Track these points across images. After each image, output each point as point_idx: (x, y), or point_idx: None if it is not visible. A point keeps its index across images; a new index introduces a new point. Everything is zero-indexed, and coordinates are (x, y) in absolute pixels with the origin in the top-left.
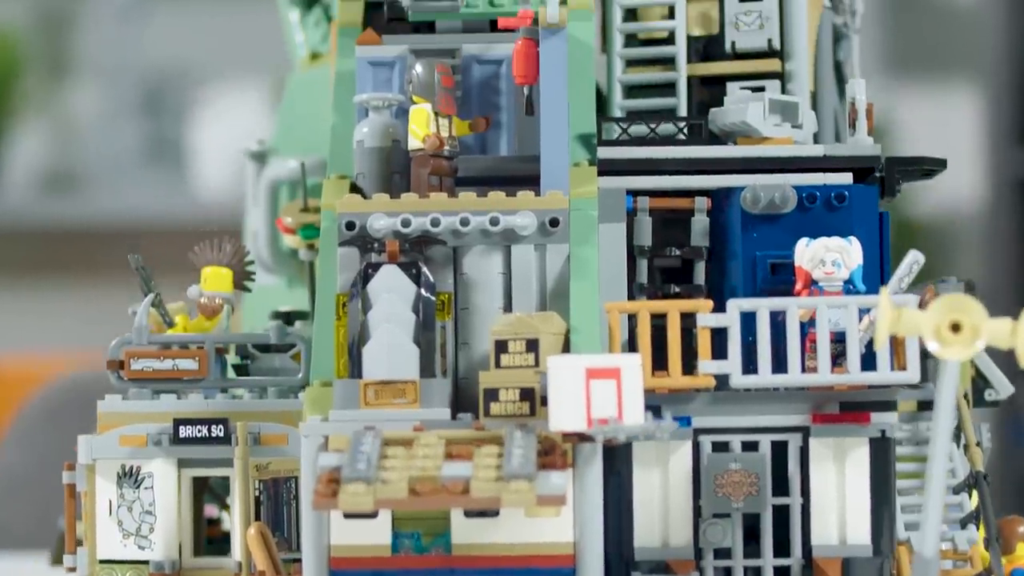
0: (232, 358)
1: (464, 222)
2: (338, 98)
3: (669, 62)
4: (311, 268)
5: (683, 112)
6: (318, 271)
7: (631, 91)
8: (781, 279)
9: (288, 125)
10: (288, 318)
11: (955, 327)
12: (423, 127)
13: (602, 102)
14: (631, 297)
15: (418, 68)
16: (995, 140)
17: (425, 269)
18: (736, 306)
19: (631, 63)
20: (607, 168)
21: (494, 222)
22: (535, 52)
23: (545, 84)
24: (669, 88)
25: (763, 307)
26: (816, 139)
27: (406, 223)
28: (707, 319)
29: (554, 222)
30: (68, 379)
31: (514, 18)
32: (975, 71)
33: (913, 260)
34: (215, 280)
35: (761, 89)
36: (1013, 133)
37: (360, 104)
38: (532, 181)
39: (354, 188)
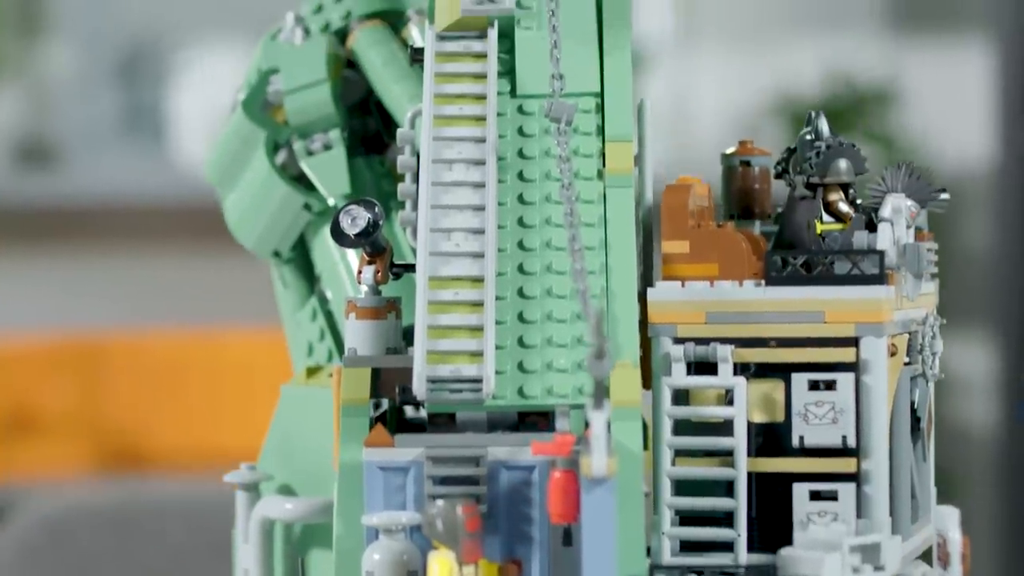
0: None
1: None
2: (342, 503)
3: (726, 455)
4: None
5: (742, 518)
6: None
7: (681, 487)
8: None
9: (278, 446)
10: None
11: None
12: None
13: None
14: None
15: (438, 506)
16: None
17: None
18: None
19: (681, 453)
20: None
21: None
22: (575, 489)
23: (588, 534)
24: (726, 485)
25: None
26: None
27: None
28: None
29: None
30: (39, 517)
31: (551, 444)
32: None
33: None
34: None
35: (832, 497)
36: None
37: (370, 526)
38: None
39: None
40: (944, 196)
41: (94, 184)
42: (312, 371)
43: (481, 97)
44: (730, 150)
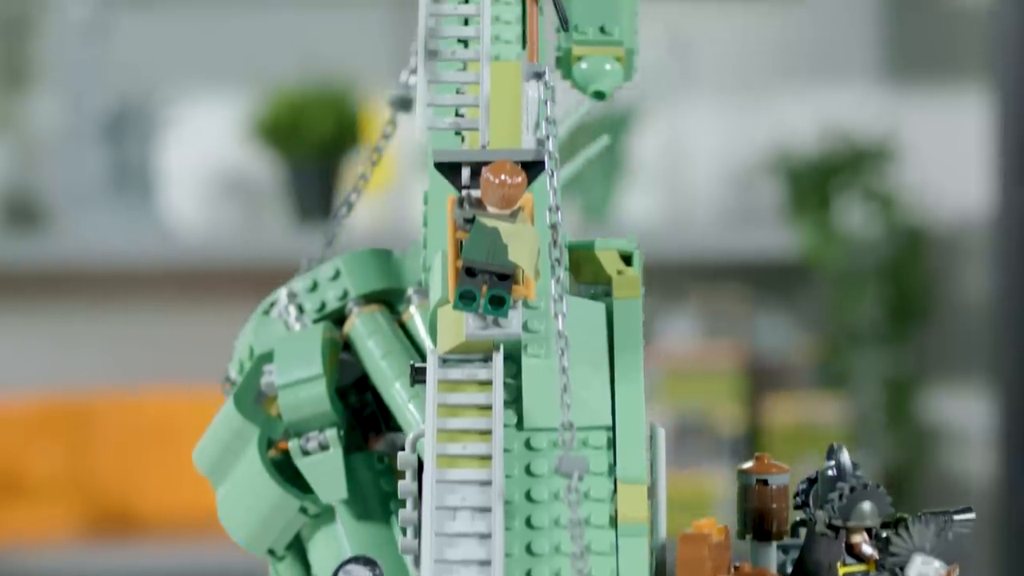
0: None
1: None
2: None
3: None
4: None
5: None
6: None
7: None
8: None
9: None
10: None
11: None
12: None
13: None
14: None
15: None
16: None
17: None
18: None
19: None
20: None
21: None
22: None
23: None
24: None
25: None
26: None
27: None
28: None
29: None
30: None
31: None
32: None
33: None
34: None
35: None
36: None
37: None
38: None
39: None
40: (970, 516)
41: (82, 242)
42: None
43: (486, 433)
44: (746, 466)
